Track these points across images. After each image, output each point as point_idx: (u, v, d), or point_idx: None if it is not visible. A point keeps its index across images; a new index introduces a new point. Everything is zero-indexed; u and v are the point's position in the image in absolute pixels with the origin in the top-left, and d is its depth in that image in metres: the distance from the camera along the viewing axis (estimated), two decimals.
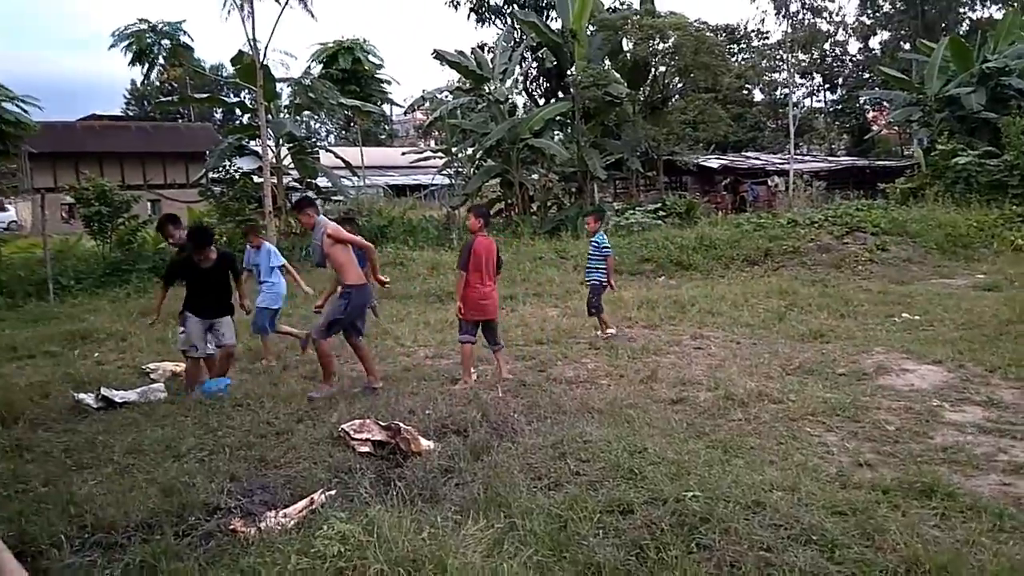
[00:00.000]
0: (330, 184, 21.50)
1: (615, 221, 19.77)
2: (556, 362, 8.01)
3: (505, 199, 24.92)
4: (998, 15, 38.36)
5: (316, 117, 44.10)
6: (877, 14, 51.09)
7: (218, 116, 52.17)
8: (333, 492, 4.52)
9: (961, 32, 43.92)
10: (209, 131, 40.37)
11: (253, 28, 17.57)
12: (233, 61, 19.93)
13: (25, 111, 18.97)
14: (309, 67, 34.77)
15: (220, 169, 20.50)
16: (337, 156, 22.72)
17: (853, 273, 13.62)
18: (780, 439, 5.31)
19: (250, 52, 18.18)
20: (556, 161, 23.65)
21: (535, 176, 24.27)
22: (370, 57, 37.49)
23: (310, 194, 19.64)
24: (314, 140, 27.13)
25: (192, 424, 6.06)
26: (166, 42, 20.11)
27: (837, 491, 4.27)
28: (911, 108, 26.95)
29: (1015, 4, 45.23)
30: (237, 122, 27.75)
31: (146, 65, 20.26)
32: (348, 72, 35.57)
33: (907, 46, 41.32)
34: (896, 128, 38.41)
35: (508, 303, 12.10)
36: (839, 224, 15.82)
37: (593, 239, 9.44)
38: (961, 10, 49.08)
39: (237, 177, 20.13)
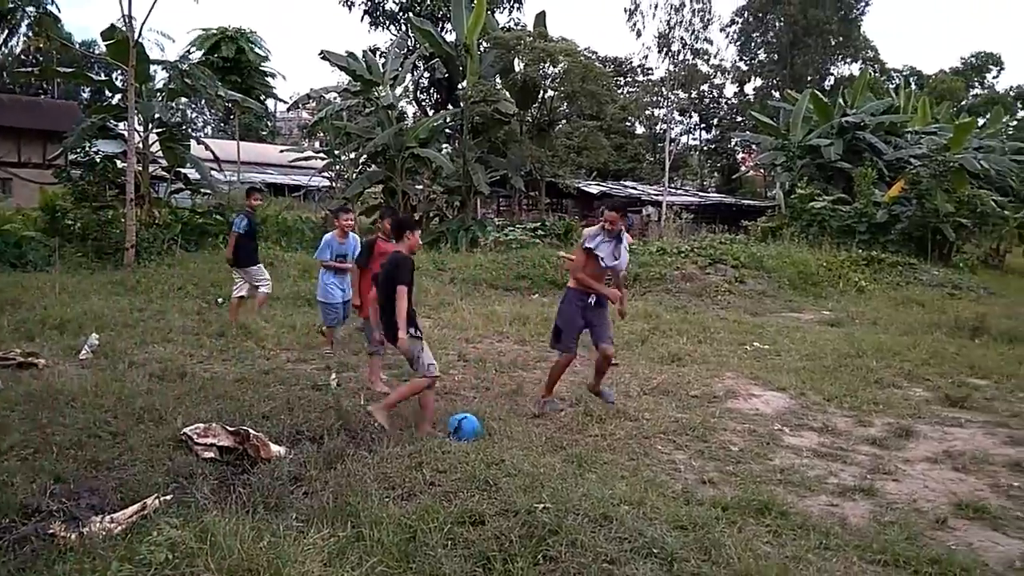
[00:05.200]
0: (200, 176, 20.42)
1: (494, 236, 19.92)
2: None
3: (386, 206, 24.60)
4: (858, 73, 41.75)
5: (193, 105, 42.18)
6: (753, 61, 54.48)
7: (85, 96, 48.64)
8: (169, 497, 4.25)
9: (827, 86, 47.57)
10: (74, 110, 37.37)
11: (129, 3, 16.56)
12: (104, 36, 18.61)
13: None
14: (188, 52, 33.22)
15: (80, 150, 19.07)
16: (208, 148, 21.59)
17: (713, 302, 14.28)
18: (632, 455, 5.47)
19: (123, 28, 17.10)
20: (441, 173, 23.59)
21: (419, 187, 24.12)
22: (255, 49, 36.21)
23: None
24: (186, 128, 25.75)
25: (19, 419, 5.58)
26: (31, 9, 18.68)
27: (681, 507, 4.43)
28: (776, 153, 28.69)
29: (870, 65, 49.44)
30: (105, 103, 25.99)
31: (6, 32, 18.74)
32: (230, 62, 34.21)
33: (777, 94, 44.19)
34: (762, 170, 40.90)
35: None
36: (703, 255, 16.56)
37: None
38: (827, 66, 53.21)
39: (98, 160, 18.80)
